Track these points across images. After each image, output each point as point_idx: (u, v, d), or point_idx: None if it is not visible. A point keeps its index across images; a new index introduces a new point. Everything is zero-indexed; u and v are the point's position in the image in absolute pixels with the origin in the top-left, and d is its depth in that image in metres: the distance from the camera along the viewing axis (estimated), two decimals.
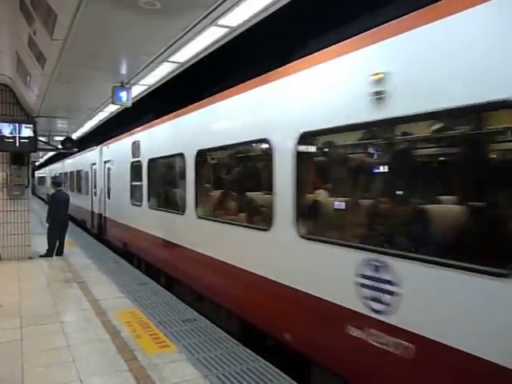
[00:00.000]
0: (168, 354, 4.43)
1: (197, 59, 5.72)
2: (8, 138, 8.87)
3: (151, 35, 4.92)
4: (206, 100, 6.25)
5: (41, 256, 9.77)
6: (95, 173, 13.97)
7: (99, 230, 13.52)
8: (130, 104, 7.08)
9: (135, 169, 9.49)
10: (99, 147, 13.41)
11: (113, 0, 3.94)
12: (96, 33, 4.89)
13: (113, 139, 11.90)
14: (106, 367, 4.11)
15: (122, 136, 10.93)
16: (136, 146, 9.36)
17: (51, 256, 9.78)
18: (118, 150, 11.16)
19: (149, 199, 8.57)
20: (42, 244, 10.10)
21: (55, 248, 9.89)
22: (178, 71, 6.35)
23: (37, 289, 7.11)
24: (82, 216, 16.49)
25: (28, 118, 9.73)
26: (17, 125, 8.98)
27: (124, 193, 10.21)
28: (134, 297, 6.63)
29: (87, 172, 15.47)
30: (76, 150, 12.39)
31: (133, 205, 9.59)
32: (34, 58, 6.15)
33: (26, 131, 9.03)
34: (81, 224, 16.68)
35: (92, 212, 14.55)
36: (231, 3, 3.95)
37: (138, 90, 7.52)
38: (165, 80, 6.90)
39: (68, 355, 4.39)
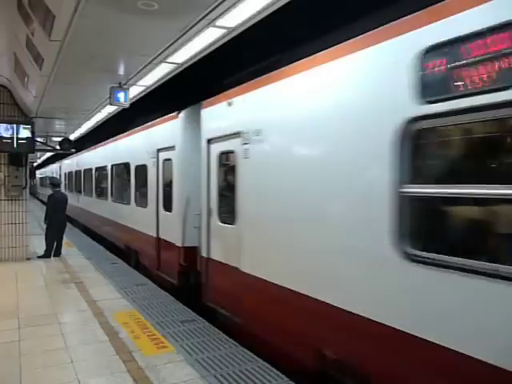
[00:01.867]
0: (166, 354, 4.44)
1: (195, 60, 5.73)
2: (6, 138, 8.85)
3: (149, 36, 4.92)
4: None
5: (39, 257, 9.76)
6: (171, 167, 7.63)
7: (186, 282, 6.98)
8: (127, 105, 7.07)
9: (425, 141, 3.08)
10: (184, 113, 7.19)
11: (111, 1, 3.94)
12: (94, 34, 4.88)
13: (260, 79, 4.89)
14: (104, 368, 4.11)
15: (306, 61, 4.14)
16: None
17: (49, 257, 9.78)
18: (296, 99, 4.26)
19: None
20: (40, 245, 10.08)
21: (53, 249, 9.89)
22: (175, 72, 6.35)
23: (35, 290, 7.10)
24: (130, 242, 9.90)
25: (26, 118, 9.72)
26: (14, 126, 8.96)
27: (323, 216, 3.84)
28: (132, 298, 6.62)
29: (144, 166, 8.87)
30: (74, 150, 12.34)
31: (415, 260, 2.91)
32: (32, 59, 6.14)
33: (24, 132, 9.02)
34: (124, 253, 10.25)
35: (158, 240, 8.13)
36: (229, 4, 3.96)
37: (136, 91, 7.52)
38: (163, 81, 6.90)
39: (66, 356, 4.39)
